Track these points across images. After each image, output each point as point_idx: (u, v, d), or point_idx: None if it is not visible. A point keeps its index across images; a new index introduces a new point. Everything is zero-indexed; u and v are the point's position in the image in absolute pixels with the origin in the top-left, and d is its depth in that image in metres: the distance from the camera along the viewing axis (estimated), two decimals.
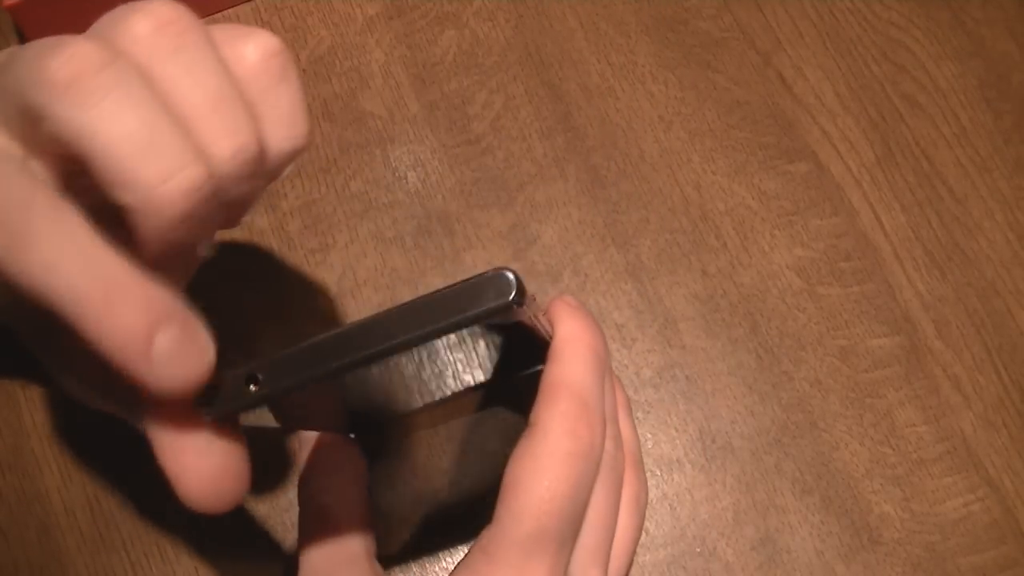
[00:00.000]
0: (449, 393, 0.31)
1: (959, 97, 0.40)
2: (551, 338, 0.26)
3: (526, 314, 0.21)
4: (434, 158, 0.38)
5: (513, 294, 0.19)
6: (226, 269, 0.36)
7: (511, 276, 0.19)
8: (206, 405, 0.21)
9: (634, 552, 0.28)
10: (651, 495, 0.34)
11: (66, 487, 0.33)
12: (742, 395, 0.35)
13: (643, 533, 0.33)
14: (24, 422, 0.33)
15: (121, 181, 0.19)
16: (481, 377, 0.30)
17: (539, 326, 0.24)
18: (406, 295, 0.36)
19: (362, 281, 0.36)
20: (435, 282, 0.36)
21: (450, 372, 0.28)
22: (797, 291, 0.37)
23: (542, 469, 0.23)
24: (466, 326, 0.20)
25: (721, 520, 0.34)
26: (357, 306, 0.35)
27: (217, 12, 0.39)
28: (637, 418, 0.35)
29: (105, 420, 0.33)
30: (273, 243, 0.36)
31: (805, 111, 0.39)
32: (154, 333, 0.18)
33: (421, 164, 0.38)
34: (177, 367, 0.19)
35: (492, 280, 0.20)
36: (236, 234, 0.36)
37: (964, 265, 0.38)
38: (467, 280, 0.20)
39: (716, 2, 0.41)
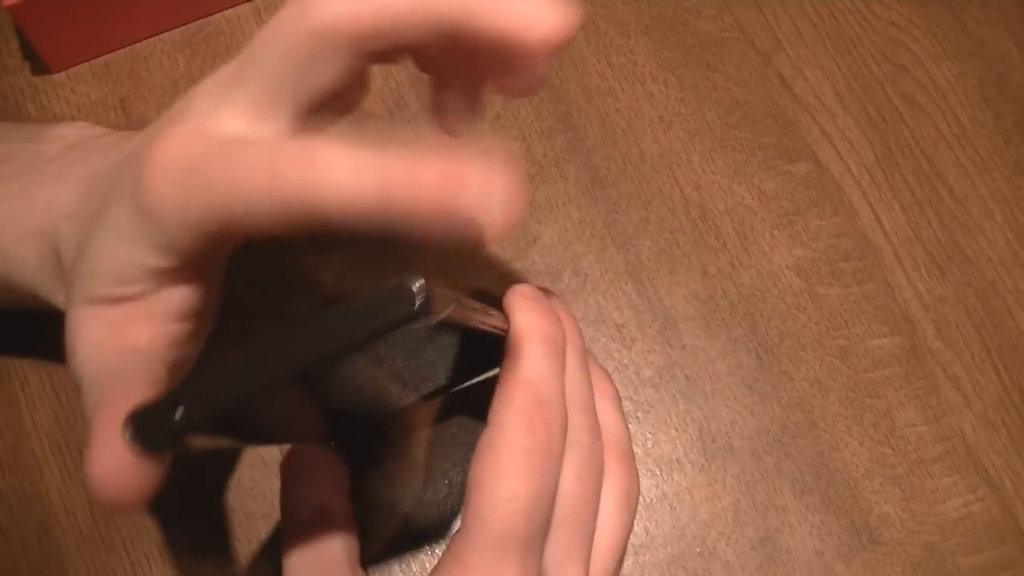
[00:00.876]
0: (422, 396, 0.30)
1: (959, 97, 0.40)
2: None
3: (442, 318, 0.20)
4: None
5: (417, 304, 0.18)
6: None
7: (414, 286, 0.19)
8: (135, 435, 0.21)
9: (624, 548, 0.28)
10: (651, 495, 0.34)
11: (66, 487, 0.33)
12: (742, 395, 0.35)
13: (643, 533, 0.33)
14: (24, 422, 0.33)
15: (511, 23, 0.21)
16: (448, 380, 0.29)
17: (486, 326, 0.24)
18: None
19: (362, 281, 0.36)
20: None
21: (419, 375, 0.27)
22: (797, 291, 0.37)
23: (501, 469, 0.23)
24: (371, 341, 0.19)
25: (721, 520, 0.34)
26: None
27: (217, 12, 0.39)
28: (637, 418, 0.35)
29: None
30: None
31: (805, 111, 0.39)
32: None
33: None
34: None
35: (394, 291, 0.19)
36: None
37: (964, 265, 0.38)
38: (370, 292, 0.19)
39: (716, 2, 0.41)
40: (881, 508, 0.34)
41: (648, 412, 0.35)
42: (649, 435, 0.35)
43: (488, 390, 0.25)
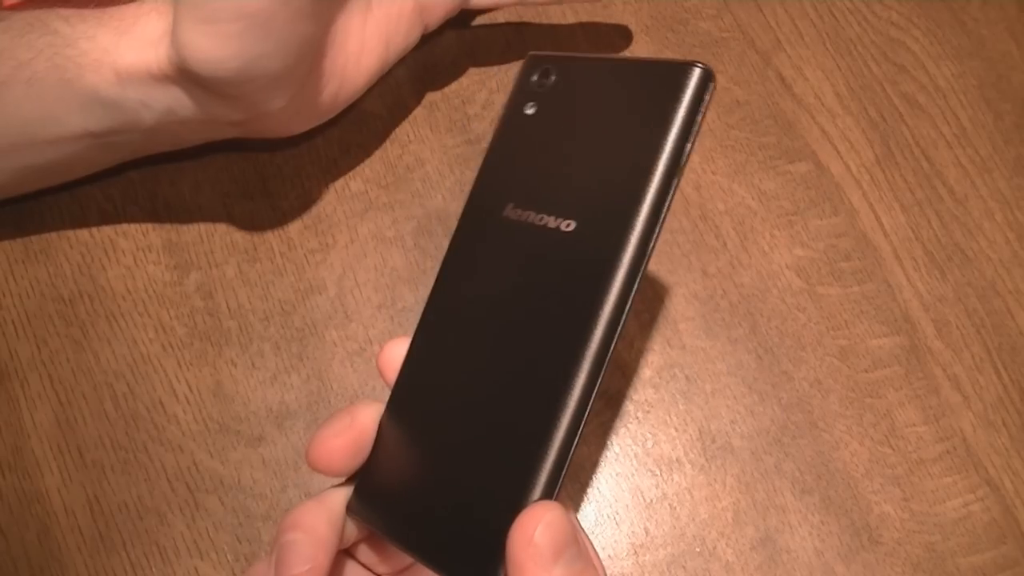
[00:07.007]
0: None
1: (959, 97, 0.40)
2: None
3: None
4: (434, 158, 0.38)
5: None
6: (226, 269, 0.36)
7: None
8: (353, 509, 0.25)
9: None
10: (651, 495, 0.34)
11: (66, 487, 0.33)
12: (742, 395, 0.35)
13: (643, 533, 0.33)
14: (24, 422, 0.33)
15: None
16: None
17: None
18: (406, 295, 0.36)
19: (362, 281, 0.36)
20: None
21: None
22: (797, 291, 0.37)
23: None
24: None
25: (721, 520, 0.34)
26: (357, 307, 0.35)
27: None
28: (637, 418, 0.35)
29: (104, 420, 0.33)
30: (273, 243, 0.36)
31: (805, 111, 0.39)
32: None
33: (421, 164, 0.38)
34: None
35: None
36: (236, 234, 0.36)
37: (964, 265, 0.38)
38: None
39: (716, 2, 0.41)
40: (881, 508, 0.34)
41: (648, 412, 0.35)
42: (649, 435, 0.35)
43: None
